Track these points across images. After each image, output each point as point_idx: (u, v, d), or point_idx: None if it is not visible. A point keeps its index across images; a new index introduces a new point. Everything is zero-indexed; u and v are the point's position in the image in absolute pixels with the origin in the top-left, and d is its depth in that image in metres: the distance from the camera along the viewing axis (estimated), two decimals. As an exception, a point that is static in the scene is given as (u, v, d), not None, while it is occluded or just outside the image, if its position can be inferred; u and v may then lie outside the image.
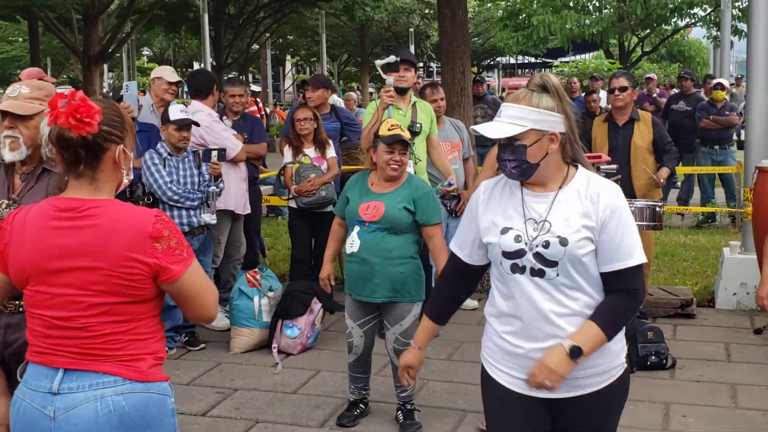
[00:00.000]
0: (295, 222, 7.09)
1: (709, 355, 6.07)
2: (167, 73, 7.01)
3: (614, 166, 6.14)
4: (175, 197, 5.96)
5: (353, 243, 4.69)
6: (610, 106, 6.83)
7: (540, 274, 2.74)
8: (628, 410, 5.10)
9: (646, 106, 12.10)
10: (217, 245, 6.68)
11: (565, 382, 2.73)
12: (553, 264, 2.72)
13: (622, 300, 2.74)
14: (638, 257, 2.73)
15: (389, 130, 4.72)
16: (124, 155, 2.57)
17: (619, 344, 2.89)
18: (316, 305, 6.27)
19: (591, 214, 2.72)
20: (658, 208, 6.01)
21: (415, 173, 6.20)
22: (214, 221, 6.21)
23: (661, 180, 6.32)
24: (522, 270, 2.77)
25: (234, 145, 6.58)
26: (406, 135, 4.74)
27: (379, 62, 6.14)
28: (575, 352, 2.66)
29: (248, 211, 6.94)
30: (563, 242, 2.71)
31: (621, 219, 2.72)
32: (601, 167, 6.06)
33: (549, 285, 2.74)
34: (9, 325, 3.35)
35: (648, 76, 16.79)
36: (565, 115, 2.75)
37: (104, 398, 2.45)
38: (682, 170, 11.44)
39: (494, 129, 2.75)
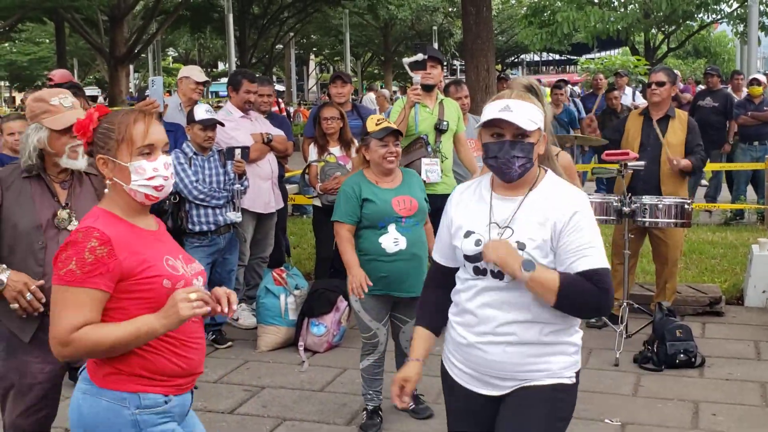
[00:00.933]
0: (320, 220, 7.08)
1: (739, 353, 6.01)
2: (195, 73, 7.06)
3: (642, 163, 6.10)
4: (201, 196, 5.99)
5: (397, 241, 4.63)
6: (633, 104, 6.76)
7: (500, 276, 2.73)
8: (656, 408, 5.08)
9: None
10: (242, 243, 6.71)
11: (512, 375, 2.77)
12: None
13: (592, 287, 2.66)
14: (593, 262, 2.67)
15: (377, 125, 4.71)
16: (112, 165, 2.66)
17: (573, 356, 2.86)
18: (342, 303, 6.28)
19: (550, 220, 2.70)
20: (686, 206, 5.97)
21: (442, 171, 6.22)
22: (239, 219, 6.24)
23: (676, 163, 6.21)
24: (483, 272, 2.77)
25: (238, 143, 6.56)
26: (394, 126, 4.75)
27: (406, 60, 6.13)
28: (528, 264, 2.62)
29: (274, 209, 6.95)
30: (521, 247, 2.69)
31: (578, 224, 2.68)
32: (629, 164, 6.03)
33: (507, 288, 2.73)
34: None
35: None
36: (545, 116, 2.78)
37: (78, 389, 2.68)
38: (711, 167, 11.34)
39: (518, 118, 2.68)
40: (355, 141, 6.99)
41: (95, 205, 2.87)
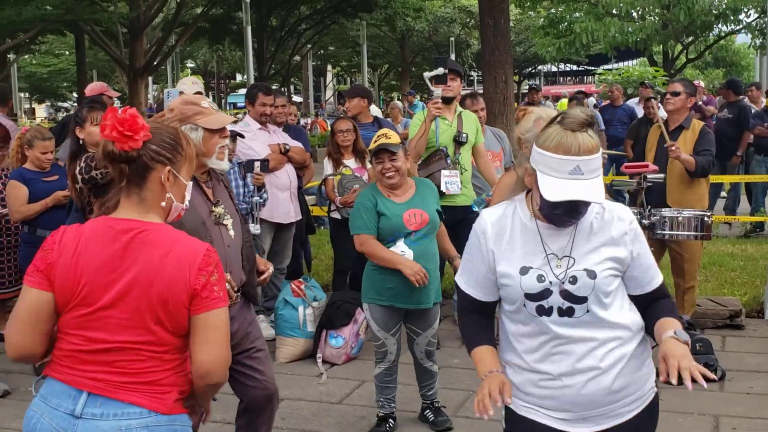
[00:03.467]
0: (338, 232, 7.10)
1: (759, 367, 5.97)
2: (187, 87, 7.01)
3: (662, 175, 6.07)
4: (221, 208, 6.02)
5: (405, 254, 4.65)
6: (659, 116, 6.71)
7: (569, 312, 2.58)
8: (677, 422, 5.04)
9: (692, 115, 11.98)
10: (261, 255, 6.72)
11: (599, 413, 2.65)
12: (582, 300, 2.57)
13: (669, 301, 2.71)
14: (659, 272, 2.75)
15: (374, 142, 4.74)
16: (174, 179, 2.55)
17: (648, 367, 2.77)
18: (360, 315, 6.28)
19: (617, 241, 2.61)
20: (706, 218, 5.93)
21: (462, 183, 6.23)
22: (258, 231, 6.26)
23: (674, 149, 6.10)
24: (549, 312, 2.59)
25: (256, 154, 6.58)
26: (393, 141, 4.69)
27: (427, 74, 6.17)
28: (682, 335, 2.54)
29: (293, 219, 6.97)
30: (591, 275, 2.57)
31: (643, 239, 2.67)
32: (648, 176, 6.01)
33: (578, 323, 2.59)
34: (231, 316, 3.49)
35: (695, 83, 16.62)
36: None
37: (129, 429, 2.42)
38: (728, 178, 11.29)
39: (589, 192, 2.48)
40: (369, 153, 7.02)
41: (232, 201, 3.50)
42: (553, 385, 2.64)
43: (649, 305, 2.70)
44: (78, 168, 5.31)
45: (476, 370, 2.69)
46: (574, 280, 2.56)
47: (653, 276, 2.70)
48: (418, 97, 25.60)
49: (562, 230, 2.59)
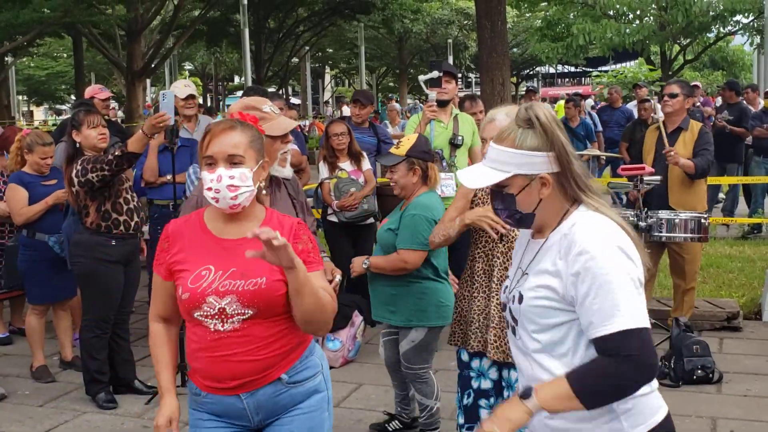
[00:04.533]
0: (334, 235, 7.09)
1: (757, 369, 5.97)
2: (178, 90, 6.98)
3: (658, 178, 6.08)
4: (218, 211, 6.02)
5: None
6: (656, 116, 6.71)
7: (513, 331, 2.42)
8: (674, 425, 5.03)
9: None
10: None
11: None
12: (516, 322, 2.39)
13: (607, 362, 2.17)
14: (616, 323, 2.15)
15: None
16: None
17: (613, 423, 2.27)
18: (357, 318, 6.28)
19: (559, 273, 2.27)
20: (703, 220, 5.94)
21: (458, 186, 6.22)
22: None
23: (672, 155, 6.08)
24: (508, 325, 2.47)
25: None
26: (397, 152, 4.46)
27: (422, 78, 6.17)
28: (526, 392, 2.24)
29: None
30: (520, 299, 2.34)
31: (594, 276, 2.19)
32: (645, 178, 6.01)
33: (518, 344, 2.40)
34: None
35: (693, 84, 16.65)
36: (554, 152, 2.30)
37: None
38: (727, 180, 11.30)
39: (474, 176, 2.38)
40: (364, 154, 7.00)
41: (293, 209, 3.51)
42: None
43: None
44: (74, 171, 5.31)
45: None
46: (513, 299, 2.38)
47: (593, 323, 2.19)
48: (417, 99, 25.64)
49: (537, 243, 2.39)
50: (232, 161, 2.66)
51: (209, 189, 2.64)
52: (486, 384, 3.86)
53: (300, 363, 2.79)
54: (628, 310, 2.16)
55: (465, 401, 3.92)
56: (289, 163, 3.64)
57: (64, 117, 18.13)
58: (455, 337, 3.98)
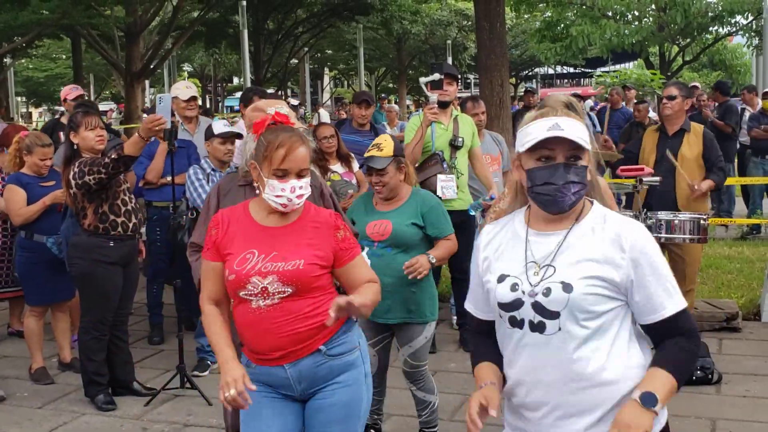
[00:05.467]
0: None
1: (756, 370, 5.97)
2: (181, 92, 7.02)
3: (657, 179, 6.07)
4: (218, 212, 6.01)
5: (369, 263, 4.58)
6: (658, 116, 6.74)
7: (540, 328, 2.34)
8: (674, 426, 5.02)
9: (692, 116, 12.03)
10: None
11: None
12: (554, 315, 2.32)
13: (685, 341, 2.35)
14: (679, 301, 2.36)
15: (368, 151, 4.56)
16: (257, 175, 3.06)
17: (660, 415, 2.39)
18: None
19: (613, 260, 2.32)
20: (702, 221, 5.93)
21: (458, 187, 6.22)
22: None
23: (696, 188, 6.17)
24: (520, 324, 2.37)
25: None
26: (384, 153, 4.45)
27: (423, 80, 6.17)
28: (647, 399, 2.27)
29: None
30: (567, 288, 2.30)
31: (652, 262, 2.35)
32: (644, 179, 6.00)
33: (549, 341, 2.34)
34: None
35: (692, 84, 16.64)
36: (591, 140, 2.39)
37: None
38: (726, 181, 11.29)
39: (574, 135, 2.31)
40: (353, 156, 7.00)
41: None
42: (524, 414, 2.47)
43: (661, 340, 2.39)
44: (72, 173, 5.30)
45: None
46: (547, 291, 2.32)
47: (661, 304, 2.35)
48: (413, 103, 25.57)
49: (550, 237, 2.38)
50: (302, 174, 3.03)
51: (279, 197, 2.99)
52: None
53: (337, 337, 3.08)
54: (679, 291, 2.38)
55: None
56: None
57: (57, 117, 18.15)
58: None
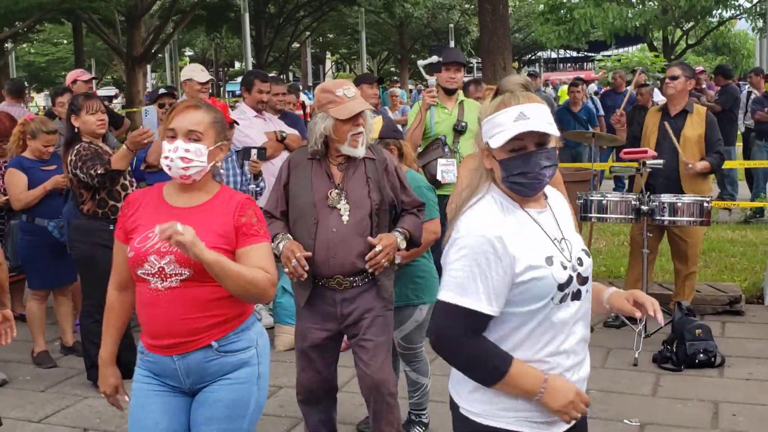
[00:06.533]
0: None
1: (759, 353, 5.96)
2: (197, 74, 7.03)
3: (660, 161, 6.05)
4: (218, 196, 6.00)
5: None
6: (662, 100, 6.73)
7: (577, 296, 2.43)
8: (676, 409, 5.04)
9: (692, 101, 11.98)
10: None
11: None
12: (586, 281, 2.47)
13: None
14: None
15: None
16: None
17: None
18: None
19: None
20: (705, 204, 5.92)
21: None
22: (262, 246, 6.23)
23: (691, 167, 6.15)
24: (564, 298, 2.40)
25: (252, 142, 6.56)
26: (371, 137, 4.30)
27: (421, 63, 6.15)
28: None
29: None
30: (587, 254, 2.51)
31: None
32: (647, 162, 5.99)
33: (582, 306, 2.45)
34: (345, 299, 3.89)
35: (698, 69, 16.55)
36: None
37: None
38: (727, 164, 11.24)
39: (541, 124, 2.34)
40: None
41: (365, 187, 3.79)
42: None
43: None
44: (69, 158, 5.29)
45: (523, 388, 2.36)
46: (580, 261, 2.44)
47: None
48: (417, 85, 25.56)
49: (545, 213, 2.45)
50: (191, 137, 2.92)
51: (165, 157, 2.91)
52: None
53: (234, 334, 2.98)
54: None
55: None
56: (362, 143, 3.81)
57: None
58: None
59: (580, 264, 2.43)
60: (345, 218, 3.80)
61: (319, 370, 4.05)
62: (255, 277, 2.84)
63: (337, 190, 3.82)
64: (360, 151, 3.82)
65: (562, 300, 2.38)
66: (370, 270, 3.83)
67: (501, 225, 2.37)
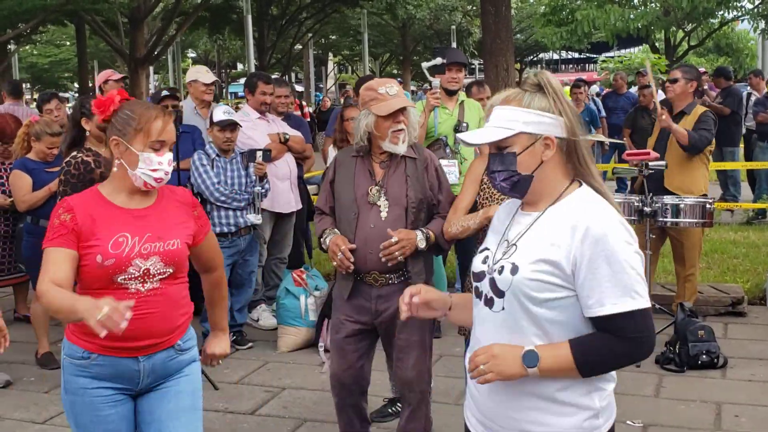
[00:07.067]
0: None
1: (761, 354, 5.97)
2: (202, 75, 7.09)
3: (663, 163, 6.07)
4: (222, 198, 6.02)
5: None
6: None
7: (489, 303, 2.33)
8: (679, 410, 5.04)
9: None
10: (262, 245, 6.73)
11: (509, 427, 2.32)
12: (500, 294, 2.30)
13: (612, 340, 2.19)
14: (627, 303, 2.17)
15: None
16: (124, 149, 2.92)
17: (583, 422, 2.27)
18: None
19: (564, 246, 2.22)
20: (708, 205, 5.93)
21: (461, 173, 6.21)
22: (260, 221, 6.26)
23: (664, 117, 6.14)
24: (480, 296, 2.38)
25: (255, 144, 6.56)
26: None
27: (425, 65, 6.15)
28: (528, 356, 2.20)
29: (294, 209, 6.96)
30: (513, 270, 2.26)
31: (608, 253, 2.18)
32: (650, 164, 6.00)
33: (495, 319, 2.32)
34: (380, 296, 3.95)
35: (701, 70, 16.54)
36: (563, 117, 2.29)
37: None
38: (730, 165, 11.27)
39: (477, 134, 2.37)
40: None
41: (404, 185, 3.86)
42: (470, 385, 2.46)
43: None
44: (61, 165, 5.29)
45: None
46: (501, 270, 2.29)
47: (601, 300, 2.19)
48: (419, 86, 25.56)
49: (527, 217, 2.35)
50: (171, 148, 3.00)
51: (156, 170, 2.91)
52: None
53: (189, 331, 3.12)
54: (640, 291, 2.19)
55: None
56: (403, 140, 3.88)
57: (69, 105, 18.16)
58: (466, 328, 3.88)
59: (499, 272, 2.29)
60: (383, 214, 3.89)
61: (352, 362, 4.12)
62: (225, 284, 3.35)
63: (377, 187, 3.92)
64: (400, 148, 3.90)
65: (477, 293, 2.40)
66: (384, 260, 3.88)
67: (501, 209, 2.52)
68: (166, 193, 3.07)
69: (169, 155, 2.95)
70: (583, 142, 2.33)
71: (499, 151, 2.33)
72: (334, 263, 3.96)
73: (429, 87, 6.31)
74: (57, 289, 2.75)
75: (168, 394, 3.06)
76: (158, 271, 2.91)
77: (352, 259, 3.88)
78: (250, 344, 6.43)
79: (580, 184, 2.34)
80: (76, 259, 2.85)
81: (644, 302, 2.19)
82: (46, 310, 2.94)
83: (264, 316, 6.95)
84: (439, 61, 6.07)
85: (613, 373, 2.33)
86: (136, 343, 2.92)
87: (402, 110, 3.87)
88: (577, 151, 2.32)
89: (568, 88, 12.46)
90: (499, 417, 2.35)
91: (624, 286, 2.18)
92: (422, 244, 3.93)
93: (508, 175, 2.31)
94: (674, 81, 6.41)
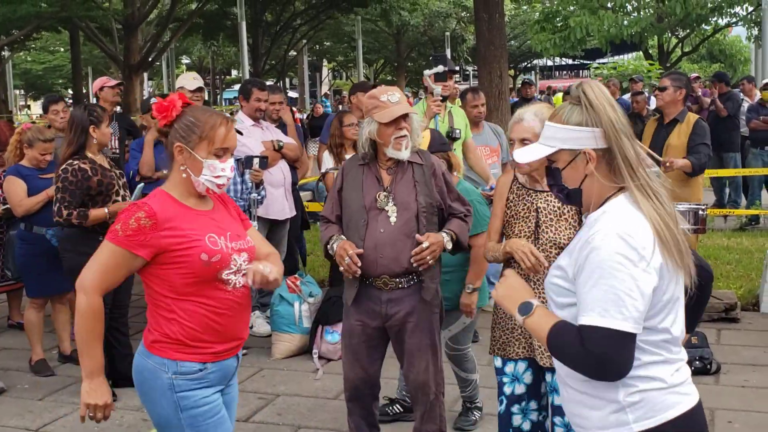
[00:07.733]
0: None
1: (754, 360, 5.98)
2: (188, 82, 7.03)
3: (656, 170, 6.08)
4: (217, 204, 6.02)
5: None
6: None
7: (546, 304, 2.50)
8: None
9: (688, 106, 12.02)
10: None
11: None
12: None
13: (580, 344, 2.20)
14: (602, 319, 2.16)
15: None
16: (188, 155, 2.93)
17: (611, 415, 2.29)
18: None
19: (574, 254, 2.32)
20: (701, 212, 5.95)
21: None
22: (255, 228, 6.25)
23: (669, 164, 6.15)
24: None
25: (249, 151, 6.56)
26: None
27: (427, 72, 6.16)
28: (525, 307, 2.38)
29: (288, 216, 6.97)
30: (547, 274, 2.49)
31: (594, 266, 2.20)
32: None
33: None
34: (390, 299, 3.99)
35: (693, 75, 16.63)
36: (601, 128, 2.29)
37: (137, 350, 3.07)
38: (726, 172, 11.31)
39: (525, 152, 2.49)
40: None
41: (413, 190, 3.92)
42: None
43: None
44: (58, 172, 5.31)
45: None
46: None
47: (580, 309, 2.24)
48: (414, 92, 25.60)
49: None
50: (231, 153, 3.03)
51: (219, 177, 2.94)
52: (520, 389, 3.72)
53: None
54: (613, 311, 2.16)
55: (498, 408, 3.83)
56: (406, 146, 3.94)
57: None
58: (497, 346, 3.81)
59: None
60: (392, 219, 3.94)
61: (365, 366, 4.15)
62: (280, 262, 3.26)
63: (385, 193, 3.97)
64: (404, 154, 3.95)
65: None
66: (415, 264, 3.92)
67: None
68: (214, 195, 3.11)
69: (231, 161, 3.00)
70: (629, 146, 2.32)
71: (550, 165, 2.44)
72: (341, 268, 3.99)
73: (424, 94, 6.33)
74: (99, 313, 2.87)
75: (232, 403, 3.20)
76: (246, 267, 2.98)
77: (359, 264, 3.91)
78: (244, 351, 6.40)
79: (624, 191, 2.33)
80: (135, 267, 2.89)
81: (614, 323, 2.15)
82: (76, 316, 2.92)
83: (258, 322, 6.94)
84: (441, 68, 6.09)
85: (653, 371, 2.26)
86: (237, 341, 3.04)
87: (404, 117, 3.93)
88: (622, 156, 2.31)
89: (560, 95, 12.50)
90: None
91: (595, 300, 2.18)
92: (449, 246, 4.01)
93: (560, 188, 2.43)
94: (663, 89, 6.46)
